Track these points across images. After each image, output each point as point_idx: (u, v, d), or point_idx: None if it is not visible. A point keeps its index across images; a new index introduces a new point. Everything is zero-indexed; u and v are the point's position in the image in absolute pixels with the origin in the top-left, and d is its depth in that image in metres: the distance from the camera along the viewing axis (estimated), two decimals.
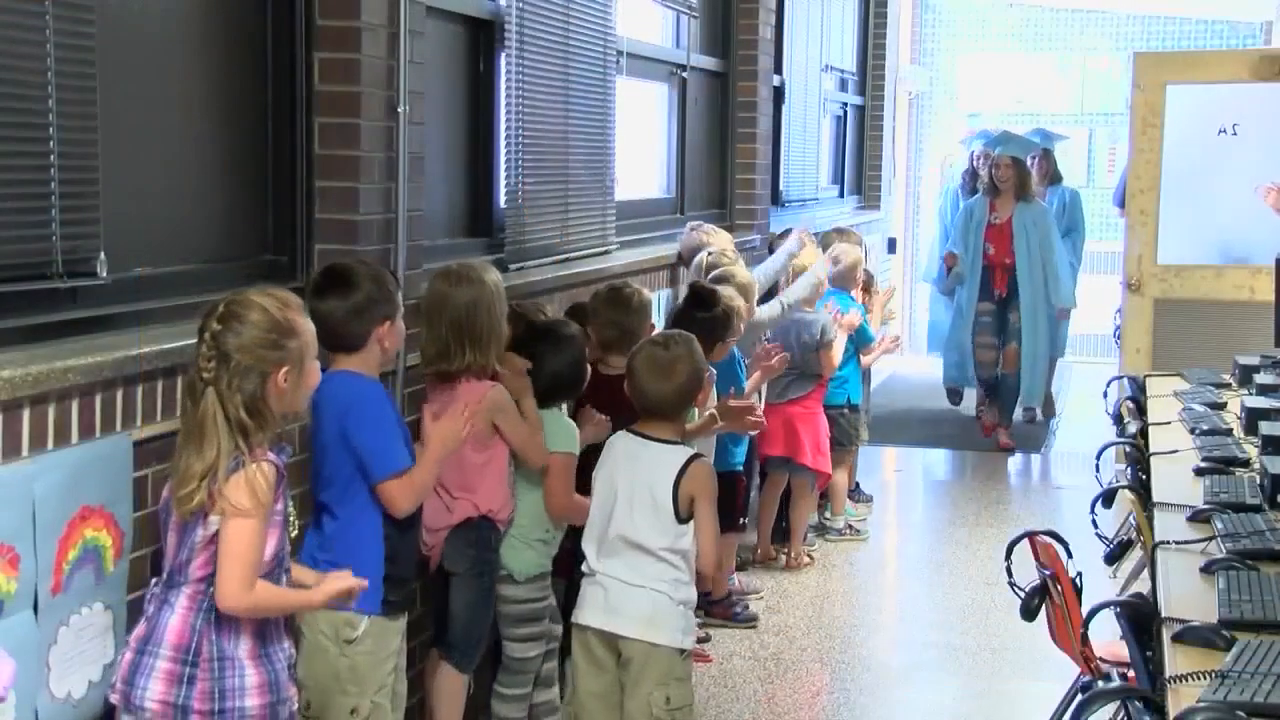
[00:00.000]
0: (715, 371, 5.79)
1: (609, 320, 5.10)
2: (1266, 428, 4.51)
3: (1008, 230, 9.85)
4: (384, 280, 3.78)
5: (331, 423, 3.70)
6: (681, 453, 4.09)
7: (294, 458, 3.44)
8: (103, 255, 3.27)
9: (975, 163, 10.77)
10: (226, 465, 2.95)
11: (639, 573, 4.05)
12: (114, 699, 3.06)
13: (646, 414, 4.15)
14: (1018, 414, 10.39)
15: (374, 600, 3.66)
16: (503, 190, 5.41)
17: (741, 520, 6.39)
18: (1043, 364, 10.07)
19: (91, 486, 3.06)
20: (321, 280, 3.77)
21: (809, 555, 7.24)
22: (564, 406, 4.69)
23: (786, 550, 7.19)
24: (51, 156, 3.14)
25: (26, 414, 2.88)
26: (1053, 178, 10.97)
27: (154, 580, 3.12)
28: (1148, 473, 4.61)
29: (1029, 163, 10.25)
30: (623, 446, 4.17)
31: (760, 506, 7.22)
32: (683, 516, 4.06)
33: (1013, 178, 9.84)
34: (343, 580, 3.23)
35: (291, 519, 3.17)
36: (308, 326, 3.13)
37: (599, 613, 4.09)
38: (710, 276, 6.01)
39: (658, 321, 5.60)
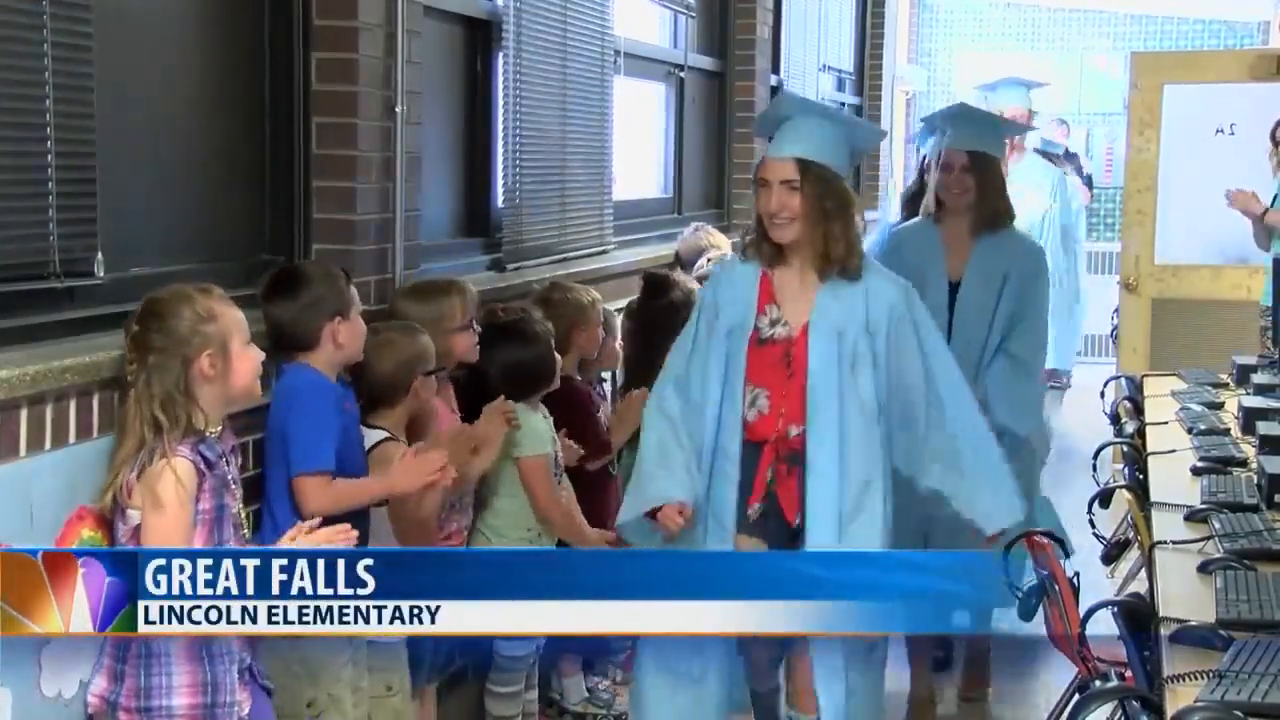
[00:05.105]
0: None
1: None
2: (1264, 427, 4.51)
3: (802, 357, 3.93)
4: (334, 278, 3.73)
5: (278, 412, 3.65)
6: (373, 436, 3.96)
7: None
8: (100, 255, 3.27)
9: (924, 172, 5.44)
10: (131, 461, 2.96)
11: None
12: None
13: (368, 399, 4.04)
14: None
15: None
16: (500, 190, 5.40)
17: None
18: None
19: (89, 486, 3.05)
20: (270, 283, 3.74)
21: None
22: (541, 408, 4.57)
23: None
24: (49, 156, 3.14)
25: (24, 414, 2.88)
26: (1001, 211, 4.94)
27: None
28: (1145, 472, 4.62)
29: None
30: None
31: None
32: None
33: (798, 212, 3.96)
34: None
35: (239, 515, 3.14)
36: (229, 311, 3.11)
37: None
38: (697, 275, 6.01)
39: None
